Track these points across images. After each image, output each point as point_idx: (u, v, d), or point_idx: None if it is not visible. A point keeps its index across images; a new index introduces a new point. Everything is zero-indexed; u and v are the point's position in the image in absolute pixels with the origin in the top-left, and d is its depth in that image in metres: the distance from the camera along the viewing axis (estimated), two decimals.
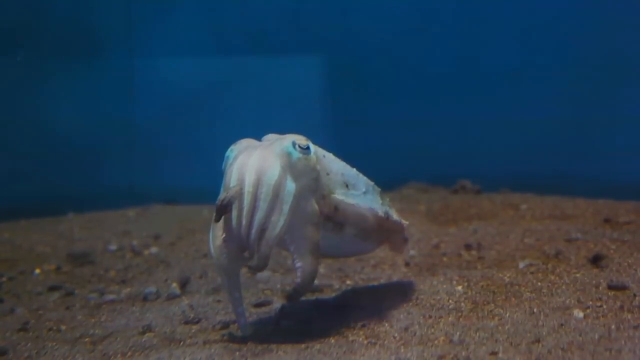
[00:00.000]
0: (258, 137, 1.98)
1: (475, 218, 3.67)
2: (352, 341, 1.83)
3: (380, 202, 2.08)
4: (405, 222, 2.23)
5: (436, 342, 1.79)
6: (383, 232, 2.12)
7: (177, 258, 3.17)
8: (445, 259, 2.83)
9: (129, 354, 1.90)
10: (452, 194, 4.49)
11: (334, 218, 1.92)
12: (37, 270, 3.05)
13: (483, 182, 4.51)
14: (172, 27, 4.79)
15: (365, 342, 1.82)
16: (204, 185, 4.48)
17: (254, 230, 1.75)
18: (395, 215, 2.14)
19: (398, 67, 4.86)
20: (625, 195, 3.79)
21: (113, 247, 3.45)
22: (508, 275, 2.41)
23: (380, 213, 2.03)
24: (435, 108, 4.71)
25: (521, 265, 2.56)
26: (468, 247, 2.97)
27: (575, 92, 4.37)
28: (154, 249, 3.37)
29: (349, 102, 4.81)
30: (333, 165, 1.96)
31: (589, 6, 4.35)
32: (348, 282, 2.55)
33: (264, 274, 2.61)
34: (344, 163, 2.02)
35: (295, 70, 4.80)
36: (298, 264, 1.83)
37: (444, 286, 2.32)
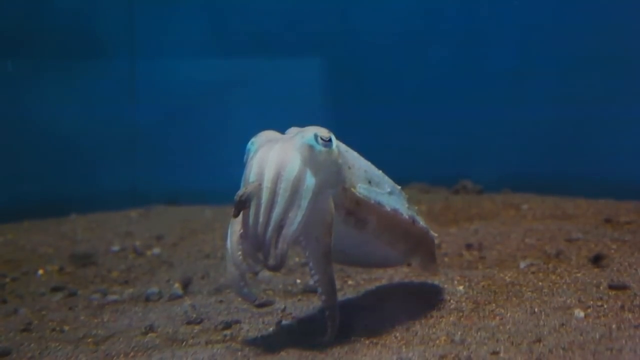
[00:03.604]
0: None
1: (477, 218, 3.68)
2: (354, 341, 1.83)
3: (407, 206, 2.01)
4: (434, 235, 2.14)
5: (437, 341, 1.79)
6: (410, 240, 2.03)
7: (180, 259, 3.18)
8: (446, 259, 2.83)
9: (132, 354, 1.91)
10: (454, 194, 4.50)
11: (356, 213, 1.86)
12: (40, 271, 3.06)
13: (484, 183, 4.52)
14: (174, 28, 4.79)
15: (367, 342, 1.83)
16: (206, 186, 4.53)
17: (270, 228, 1.71)
18: (422, 223, 2.06)
19: (399, 68, 4.87)
20: (625, 195, 3.80)
21: (115, 247, 3.46)
22: (509, 275, 2.41)
23: (405, 215, 1.96)
24: (436, 108, 4.72)
25: (522, 265, 2.57)
26: (469, 247, 2.97)
27: (576, 92, 4.37)
28: (156, 250, 3.38)
29: (349, 103, 4.82)
30: (356, 160, 1.91)
31: (589, 6, 4.35)
32: (350, 282, 2.56)
33: (266, 274, 2.62)
34: (368, 162, 1.97)
35: (297, 71, 4.81)
36: (315, 277, 1.81)
37: (446, 286, 2.32)
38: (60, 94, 4.55)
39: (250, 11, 4.92)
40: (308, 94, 4.80)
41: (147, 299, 2.51)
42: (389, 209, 1.90)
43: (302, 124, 1.90)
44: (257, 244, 1.74)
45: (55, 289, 2.73)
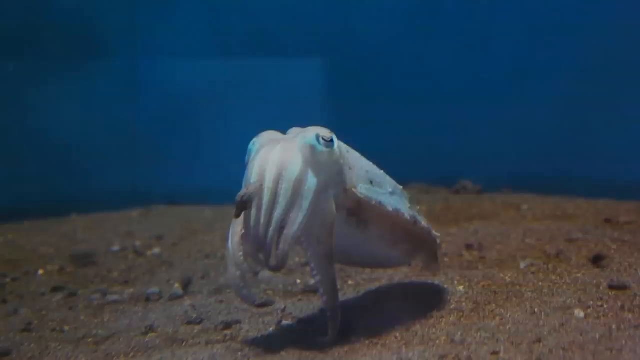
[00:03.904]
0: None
1: (477, 218, 3.68)
2: (354, 341, 1.83)
3: (409, 206, 2.00)
4: (437, 234, 2.13)
5: (437, 342, 1.79)
6: (412, 240, 2.02)
7: (180, 259, 3.18)
8: (446, 259, 2.83)
9: (132, 354, 1.91)
10: (454, 195, 4.50)
11: (358, 214, 1.86)
12: (41, 271, 3.07)
13: (484, 183, 4.52)
14: (175, 28, 4.80)
15: (367, 342, 1.83)
16: (206, 186, 4.53)
17: (271, 229, 1.71)
18: (424, 223, 2.04)
19: (399, 68, 4.87)
20: (625, 195, 3.80)
21: (116, 247, 3.47)
22: (509, 275, 2.41)
23: (407, 216, 1.94)
24: (436, 108, 4.72)
25: (522, 265, 2.57)
26: (469, 247, 2.97)
27: (576, 92, 4.38)
28: (156, 250, 3.38)
29: (349, 103, 4.82)
30: (357, 161, 1.91)
31: (589, 6, 4.36)
32: (350, 282, 2.56)
33: (266, 274, 2.62)
34: (370, 162, 1.97)
35: (297, 71, 4.82)
36: (317, 278, 1.80)
37: (446, 286, 2.32)
38: (60, 94, 4.55)
39: (251, 11, 4.93)
40: (308, 94, 4.80)
41: (148, 299, 2.51)
42: (390, 209, 1.90)
43: (302, 124, 1.89)
44: (258, 245, 1.74)
45: (56, 289, 2.74)
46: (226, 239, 1.82)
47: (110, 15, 4.84)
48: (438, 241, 2.14)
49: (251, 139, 1.88)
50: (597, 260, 2.48)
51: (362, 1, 4.97)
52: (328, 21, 4.91)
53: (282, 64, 4.82)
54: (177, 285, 2.66)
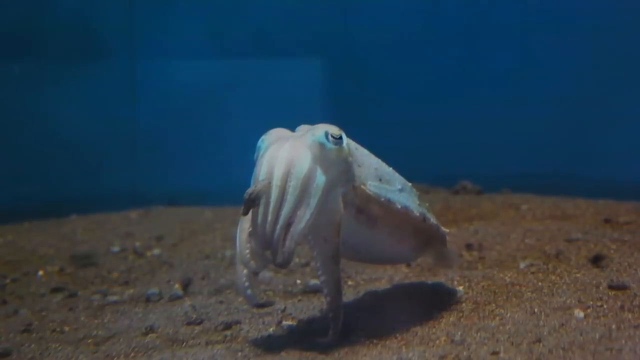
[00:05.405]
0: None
1: (476, 218, 3.68)
2: (354, 341, 1.83)
3: (417, 203, 2.00)
4: (446, 231, 2.13)
5: (437, 342, 1.79)
6: (420, 237, 2.03)
7: (180, 259, 3.18)
8: None
9: (132, 354, 1.91)
10: (453, 195, 4.50)
11: (366, 211, 1.86)
12: (41, 272, 3.07)
13: (484, 183, 4.52)
14: (174, 29, 4.80)
15: (367, 342, 1.83)
16: (206, 186, 4.53)
17: (278, 226, 1.70)
18: (433, 220, 2.05)
19: (398, 68, 4.87)
20: (625, 195, 3.80)
21: (116, 248, 3.47)
22: (509, 275, 2.41)
23: (416, 213, 1.94)
24: (435, 108, 4.72)
25: (522, 265, 2.57)
26: (469, 247, 2.97)
27: (575, 92, 4.38)
28: (156, 251, 3.39)
29: (349, 103, 4.82)
30: (366, 158, 1.90)
31: (589, 6, 4.36)
32: (350, 282, 2.56)
33: (266, 275, 2.62)
34: (379, 159, 1.96)
35: (296, 71, 4.82)
36: (322, 277, 1.80)
37: (445, 286, 2.33)
38: (60, 94, 4.55)
39: (250, 11, 4.93)
40: (307, 94, 4.80)
41: (148, 300, 2.52)
42: (399, 206, 1.89)
43: (304, 123, 1.89)
44: (265, 242, 1.73)
45: (56, 290, 2.74)
46: (233, 238, 1.81)
47: (110, 16, 4.84)
48: (447, 238, 2.14)
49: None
50: (596, 260, 2.48)
51: (362, 1, 4.97)
52: (328, 21, 4.91)
53: (281, 65, 4.82)
54: (177, 285, 2.66)
